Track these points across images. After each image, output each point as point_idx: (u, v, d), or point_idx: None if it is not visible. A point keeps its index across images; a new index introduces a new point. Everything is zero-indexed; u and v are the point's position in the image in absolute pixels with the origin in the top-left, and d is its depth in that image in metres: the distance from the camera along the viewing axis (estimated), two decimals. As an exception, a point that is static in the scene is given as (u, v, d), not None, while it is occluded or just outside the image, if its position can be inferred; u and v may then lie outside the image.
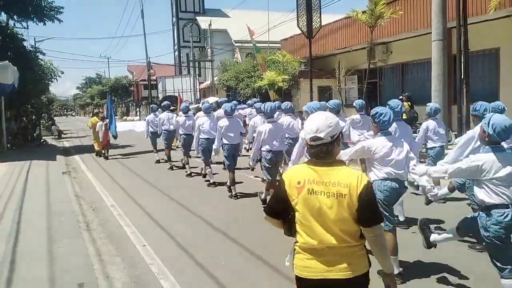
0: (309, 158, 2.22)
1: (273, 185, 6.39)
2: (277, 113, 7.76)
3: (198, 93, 34.61)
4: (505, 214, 3.24)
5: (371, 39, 13.08)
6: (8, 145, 16.99)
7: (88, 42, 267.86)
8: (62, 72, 21.22)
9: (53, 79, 21.69)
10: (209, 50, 34.91)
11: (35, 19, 17.27)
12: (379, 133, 3.99)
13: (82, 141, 22.26)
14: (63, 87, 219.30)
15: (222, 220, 6.25)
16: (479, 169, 3.30)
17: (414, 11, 13.74)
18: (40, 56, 19.77)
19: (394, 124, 4.66)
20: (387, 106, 4.59)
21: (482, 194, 3.34)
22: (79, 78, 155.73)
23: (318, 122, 2.13)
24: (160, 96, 38.09)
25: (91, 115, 21.26)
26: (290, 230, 2.26)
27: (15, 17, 17.55)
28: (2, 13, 16.90)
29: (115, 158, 13.83)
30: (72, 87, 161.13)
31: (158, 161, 12.59)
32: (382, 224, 2.20)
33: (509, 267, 3.28)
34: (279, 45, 22.87)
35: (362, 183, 2.08)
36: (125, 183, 9.44)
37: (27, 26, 20.42)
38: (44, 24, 17.44)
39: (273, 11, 25.74)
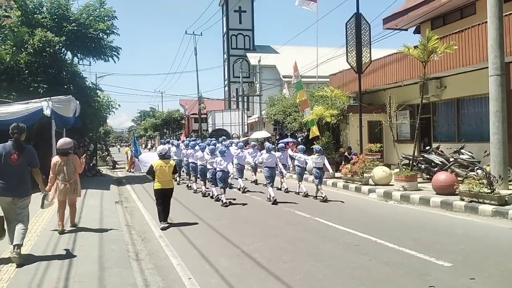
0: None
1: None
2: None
3: (246, 126, 35.15)
4: None
5: (423, 74, 12.76)
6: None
7: (144, 78, 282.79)
8: (119, 105, 22.41)
9: (110, 112, 22.95)
10: (258, 85, 35.58)
11: (95, 57, 18.47)
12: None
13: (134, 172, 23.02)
14: (119, 120, 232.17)
15: (267, 254, 6.15)
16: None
17: (470, 45, 13.32)
18: (99, 93, 21.05)
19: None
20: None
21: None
22: (134, 111, 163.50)
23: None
24: (210, 129, 39.04)
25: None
26: (153, 178, 8.38)
27: (78, 55, 18.87)
28: (68, 52, 18.21)
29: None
30: (128, 119, 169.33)
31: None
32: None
33: None
34: (328, 79, 22.88)
35: (172, 162, 8.67)
36: (172, 213, 9.56)
37: (90, 63, 21.88)
38: (105, 61, 18.60)
39: (322, 47, 25.90)
